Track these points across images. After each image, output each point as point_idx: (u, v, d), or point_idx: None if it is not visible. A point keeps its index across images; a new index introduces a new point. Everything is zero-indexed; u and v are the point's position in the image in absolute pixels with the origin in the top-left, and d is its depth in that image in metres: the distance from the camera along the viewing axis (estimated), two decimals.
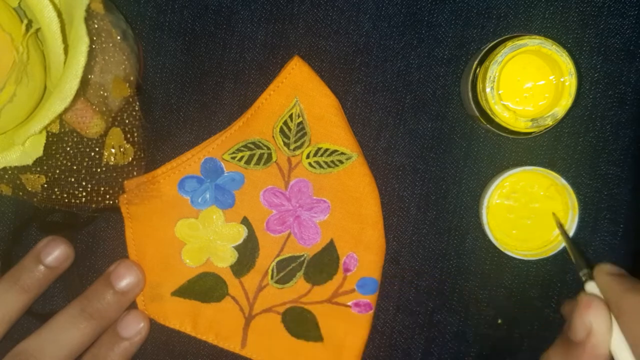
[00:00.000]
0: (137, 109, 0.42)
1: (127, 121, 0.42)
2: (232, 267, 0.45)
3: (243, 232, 0.45)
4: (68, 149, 0.42)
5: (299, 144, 0.44)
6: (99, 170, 0.43)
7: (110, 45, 0.40)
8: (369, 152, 0.45)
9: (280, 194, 0.45)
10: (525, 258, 0.44)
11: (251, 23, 0.45)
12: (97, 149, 0.42)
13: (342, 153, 0.44)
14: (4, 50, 0.36)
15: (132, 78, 0.41)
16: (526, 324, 0.46)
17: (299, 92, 0.44)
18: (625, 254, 0.45)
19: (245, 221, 0.45)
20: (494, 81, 0.40)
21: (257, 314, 0.46)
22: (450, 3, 0.44)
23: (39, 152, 0.39)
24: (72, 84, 0.36)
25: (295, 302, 0.45)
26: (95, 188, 0.43)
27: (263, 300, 0.45)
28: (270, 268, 0.45)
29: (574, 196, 0.43)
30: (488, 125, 0.42)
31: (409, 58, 0.45)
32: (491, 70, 0.40)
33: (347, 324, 0.45)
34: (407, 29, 0.45)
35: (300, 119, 0.44)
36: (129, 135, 0.42)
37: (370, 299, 0.45)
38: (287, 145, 0.44)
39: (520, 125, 0.40)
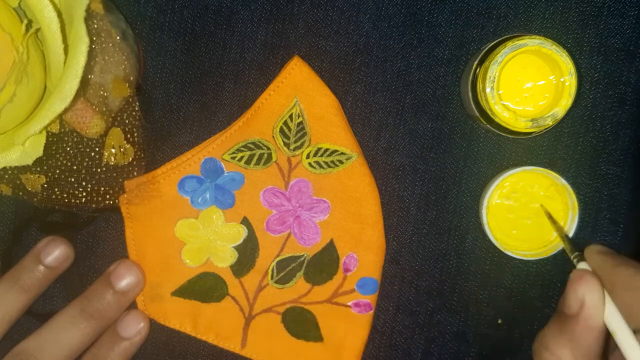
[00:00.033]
0: (137, 109, 0.42)
1: (127, 121, 0.42)
2: (232, 267, 0.45)
3: (243, 232, 0.45)
4: (68, 149, 0.42)
5: (299, 144, 0.44)
6: (99, 170, 0.43)
7: (110, 45, 0.40)
8: (369, 152, 0.45)
9: (280, 194, 0.45)
10: (525, 258, 0.44)
11: (251, 23, 0.45)
12: (97, 149, 0.42)
13: (342, 153, 0.44)
14: (4, 50, 0.36)
15: (132, 78, 0.41)
16: (526, 324, 0.46)
17: (299, 92, 0.44)
18: (625, 254, 0.45)
19: (245, 221, 0.45)
20: (494, 81, 0.40)
21: (257, 314, 0.46)
22: (450, 3, 0.44)
23: (39, 152, 0.39)
24: (72, 84, 0.36)
25: (295, 302, 0.45)
26: (95, 188, 0.43)
27: (263, 300, 0.45)
28: (270, 268, 0.45)
29: (574, 196, 0.43)
30: (488, 125, 0.42)
31: (409, 58, 0.45)
32: (491, 70, 0.40)
33: (347, 324, 0.45)
34: (407, 29, 0.45)
35: (300, 119, 0.44)
36: (129, 135, 0.42)
37: (370, 299, 0.45)
38: (287, 145, 0.44)
39: (520, 125, 0.40)
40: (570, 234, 0.43)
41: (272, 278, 0.45)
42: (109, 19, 0.40)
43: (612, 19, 0.44)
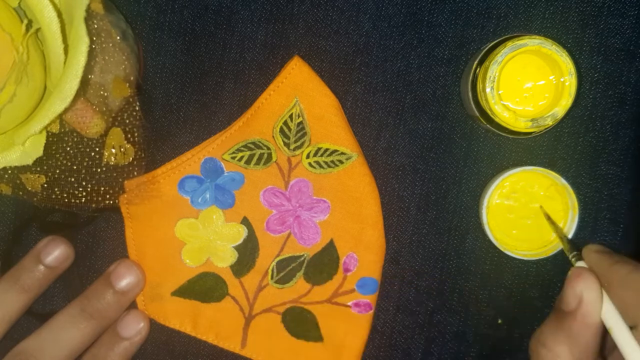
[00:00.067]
0: (137, 109, 0.42)
1: (127, 121, 0.42)
2: (232, 267, 0.45)
3: (243, 232, 0.45)
4: (68, 149, 0.42)
5: (299, 144, 0.44)
6: (99, 170, 0.43)
7: (110, 45, 0.40)
8: (369, 152, 0.45)
9: (280, 194, 0.45)
10: (525, 258, 0.44)
11: (251, 23, 0.45)
12: (97, 149, 0.42)
13: (342, 153, 0.44)
14: (4, 50, 0.36)
15: (132, 78, 0.41)
16: (526, 324, 0.46)
17: (299, 92, 0.44)
18: (625, 254, 0.45)
19: (245, 221, 0.45)
20: (494, 81, 0.40)
21: (257, 314, 0.46)
22: (450, 3, 0.44)
23: (39, 152, 0.39)
24: (72, 84, 0.36)
25: (295, 302, 0.45)
26: (95, 188, 0.43)
27: (263, 300, 0.45)
28: (270, 268, 0.45)
29: (574, 196, 0.43)
30: (488, 125, 0.42)
31: (409, 58, 0.45)
32: (491, 70, 0.40)
33: (347, 324, 0.45)
34: (407, 29, 0.45)
35: (300, 119, 0.44)
36: (129, 135, 0.42)
37: (370, 299, 0.45)
38: (287, 145, 0.44)
39: (520, 125, 0.40)
40: (570, 234, 0.43)
41: (272, 278, 0.45)
42: (109, 19, 0.40)
43: (612, 19, 0.44)
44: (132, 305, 0.45)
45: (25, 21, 0.37)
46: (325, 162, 0.44)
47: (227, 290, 0.45)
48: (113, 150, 0.42)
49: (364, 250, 0.45)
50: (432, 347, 0.46)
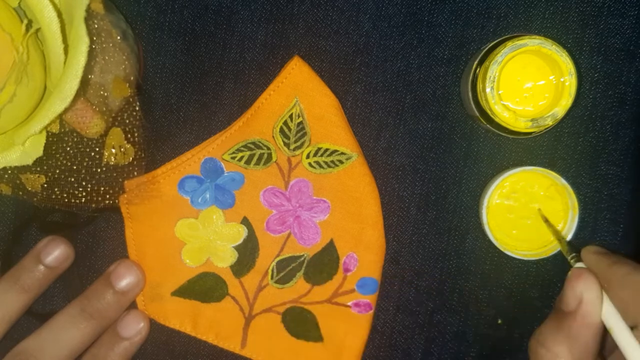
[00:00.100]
0: (137, 109, 0.42)
1: (127, 121, 0.42)
2: (232, 267, 0.45)
3: (243, 232, 0.45)
4: (68, 149, 0.42)
5: (299, 144, 0.44)
6: (99, 170, 0.43)
7: (110, 45, 0.40)
8: (369, 152, 0.45)
9: (280, 194, 0.45)
10: (525, 258, 0.44)
11: (251, 23, 0.45)
12: (97, 149, 0.42)
13: (342, 153, 0.44)
14: (4, 50, 0.36)
15: (132, 78, 0.41)
16: (526, 324, 0.46)
17: (299, 92, 0.44)
18: (625, 254, 0.45)
19: (245, 221, 0.45)
20: (494, 81, 0.40)
21: (257, 314, 0.46)
22: (450, 3, 0.44)
23: (39, 152, 0.39)
24: (72, 84, 0.36)
25: (295, 302, 0.45)
26: (95, 188, 0.43)
27: (263, 300, 0.45)
28: (270, 268, 0.45)
29: (574, 196, 0.43)
30: (488, 125, 0.42)
31: (409, 58, 0.45)
32: (491, 70, 0.40)
33: (347, 324, 0.45)
34: (407, 29, 0.45)
35: (300, 119, 0.44)
36: (129, 135, 0.42)
37: (370, 299, 0.45)
38: (287, 145, 0.44)
39: (520, 125, 0.40)
40: (570, 234, 0.43)
41: (272, 278, 0.45)
42: (109, 19, 0.40)
43: (612, 19, 0.44)
44: (132, 305, 0.45)
45: (25, 21, 0.37)
46: (325, 162, 0.44)
47: (227, 290, 0.45)
48: (113, 150, 0.42)
49: (364, 250, 0.45)
50: (432, 347, 0.46)
